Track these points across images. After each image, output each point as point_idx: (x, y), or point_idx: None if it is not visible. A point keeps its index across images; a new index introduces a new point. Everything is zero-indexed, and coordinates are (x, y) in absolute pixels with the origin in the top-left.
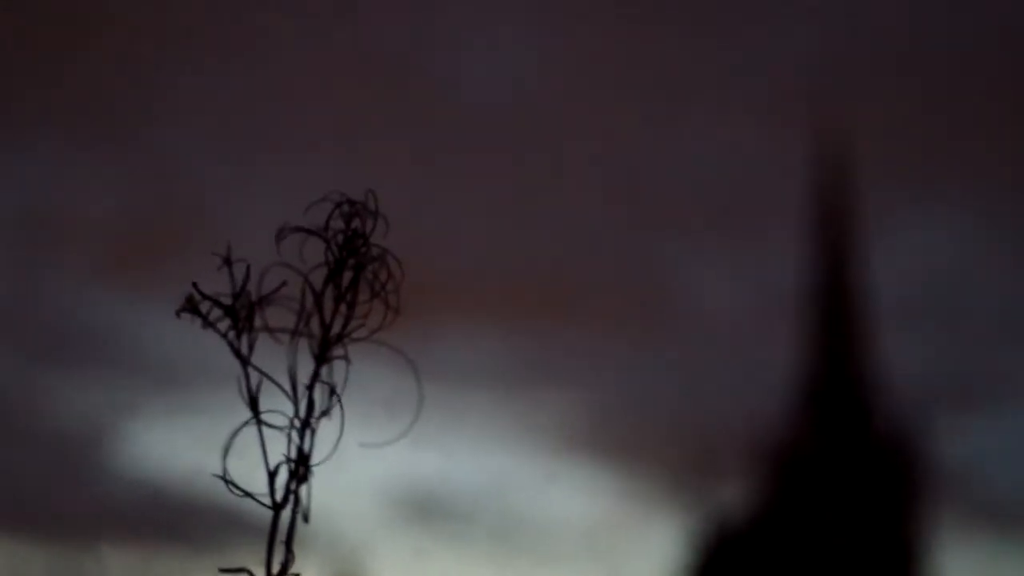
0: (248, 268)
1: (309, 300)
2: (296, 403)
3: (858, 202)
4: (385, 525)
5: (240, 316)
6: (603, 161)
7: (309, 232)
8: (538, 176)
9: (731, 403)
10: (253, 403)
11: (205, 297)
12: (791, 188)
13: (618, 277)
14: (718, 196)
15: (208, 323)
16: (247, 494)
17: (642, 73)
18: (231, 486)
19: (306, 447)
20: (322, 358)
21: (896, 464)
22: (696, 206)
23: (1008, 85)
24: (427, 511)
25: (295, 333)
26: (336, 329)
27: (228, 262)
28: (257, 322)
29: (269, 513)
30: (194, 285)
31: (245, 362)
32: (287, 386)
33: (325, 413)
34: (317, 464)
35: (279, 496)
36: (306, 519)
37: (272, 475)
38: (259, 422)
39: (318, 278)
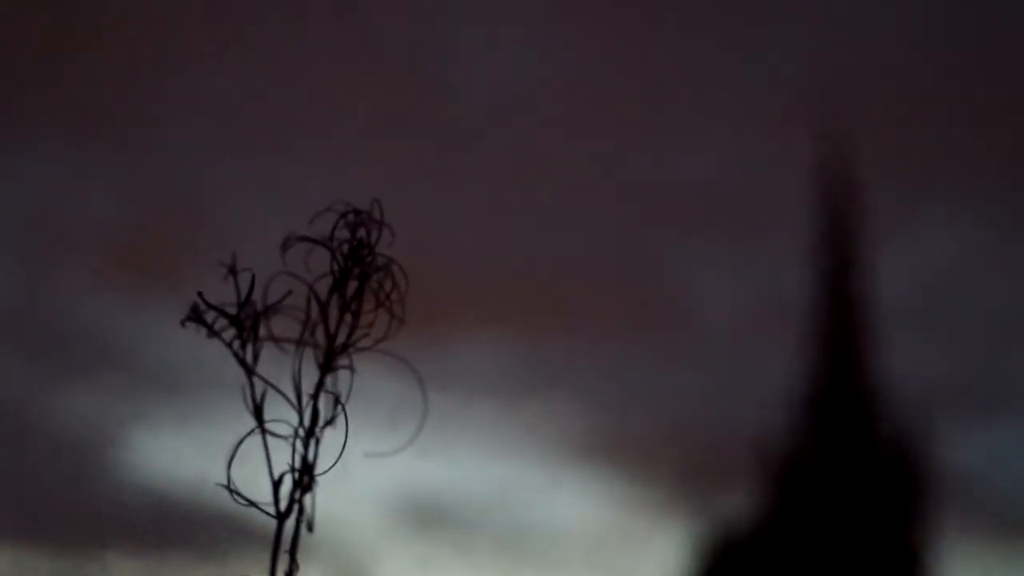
0: (253, 277)
1: (314, 310)
2: (301, 412)
3: (861, 205)
4: (390, 534)
5: (245, 325)
6: (606, 167)
7: (314, 242)
8: (544, 185)
9: (735, 409)
10: (258, 412)
11: (210, 307)
12: (793, 190)
13: (624, 285)
14: (721, 199)
15: (213, 332)
16: (251, 503)
17: (643, 75)
18: (235, 495)
19: (310, 456)
20: (327, 367)
21: (900, 469)
22: (699, 210)
23: (1008, 85)
24: (432, 520)
25: (300, 342)
26: (341, 339)
27: (233, 271)
28: (262, 331)
29: (273, 522)
30: (199, 294)
31: (250, 371)
32: (292, 395)
33: (329, 422)
34: (321, 473)
35: (283, 505)
36: (310, 528)
37: (276, 484)
38: (263, 431)
39: (323, 288)
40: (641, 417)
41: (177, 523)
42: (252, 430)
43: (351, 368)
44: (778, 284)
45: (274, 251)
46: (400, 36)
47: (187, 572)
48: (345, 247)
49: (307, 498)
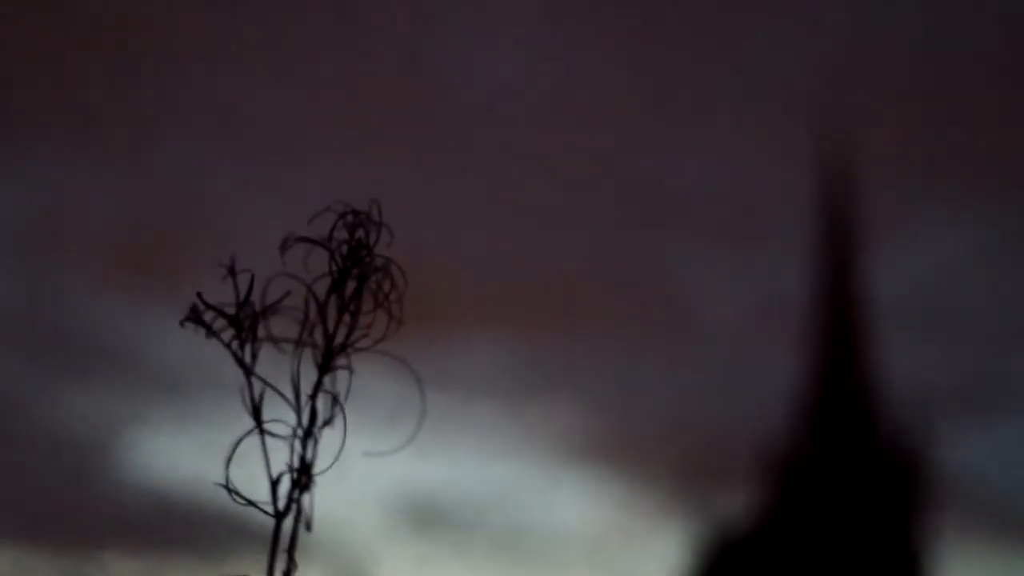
0: (252, 278)
1: (313, 310)
2: (299, 412)
3: (861, 207)
4: (389, 534)
5: (244, 326)
6: (606, 167)
7: (313, 242)
8: (543, 186)
9: (735, 410)
10: (256, 412)
11: (209, 307)
12: (793, 190)
13: (622, 286)
14: (721, 199)
15: (212, 333)
16: (250, 502)
17: (643, 75)
18: (234, 495)
19: (309, 456)
20: (325, 368)
21: (899, 469)
22: (699, 210)
23: (1008, 85)
24: (431, 520)
25: (299, 343)
26: (339, 339)
27: (232, 272)
28: (261, 332)
29: (272, 521)
30: (198, 295)
31: (249, 371)
32: (290, 395)
33: (328, 422)
34: (320, 473)
35: (281, 505)
36: (308, 527)
37: (275, 484)
38: (262, 431)
39: (322, 288)
40: (641, 417)
41: (176, 522)
42: (251, 430)
43: (349, 368)
44: (778, 284)
45: (273, 252)
46: (399, 37)
47: (186, 571)
48: (344, 248)
49: (305, 497)
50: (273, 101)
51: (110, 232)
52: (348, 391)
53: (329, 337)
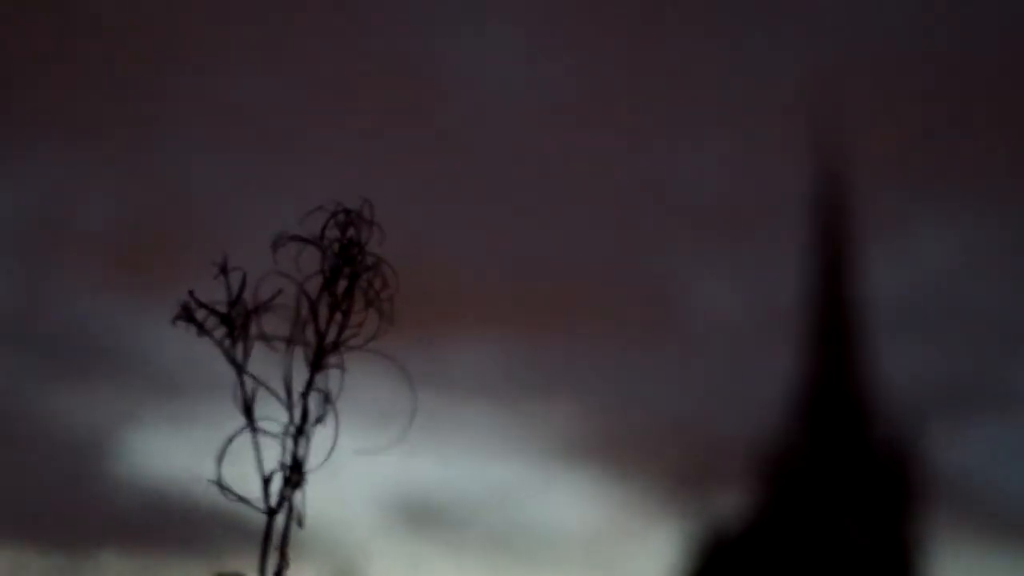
0: (244, 276)
1: (305, 308)
2: (291, 410)
3: (857, 208)
4: (382, 532)
5: (236, 324)
6: (606, 167)
7: (305, 241)
8: (536, 185)
9: (730, 410)
10: (248, 410)
11: (201, 305)
12: (792, 191)
13: (616, 286)
14: (720, 199)
15: (204, 331)
16: (242, 499)
17: (643, 75)
18: (226, 492)
19: (301, 454)
20: (317, 366)
21: (893, 469)
22: (699, 210)
23: (1007, 86)
24: (424, 519)
25: (290, 341)
26: (331, 337)
27: (224, 270)
28: (253, 330)
29: (264, 519)
30: (190, 293)
31: (240, 370)
32: (282, 393)
33: (320, 420)
34: (312, 470)
35: (273, 501)
36: (300, 524)
37: (267, 481)
38: (254, 429)
39: (314, 287)
40: (639, 417)
41: (169, 520)
42: (243, 428)
43: (341, 366)
44: (777, 285)
45: (265, 250)
46: (397, 37)
47: (179, 568)
48: (336, 246)
49: (297, 494)
50: (270, 101)
51: (110, 232)
52: (340, 389)
53: (321, 336)
